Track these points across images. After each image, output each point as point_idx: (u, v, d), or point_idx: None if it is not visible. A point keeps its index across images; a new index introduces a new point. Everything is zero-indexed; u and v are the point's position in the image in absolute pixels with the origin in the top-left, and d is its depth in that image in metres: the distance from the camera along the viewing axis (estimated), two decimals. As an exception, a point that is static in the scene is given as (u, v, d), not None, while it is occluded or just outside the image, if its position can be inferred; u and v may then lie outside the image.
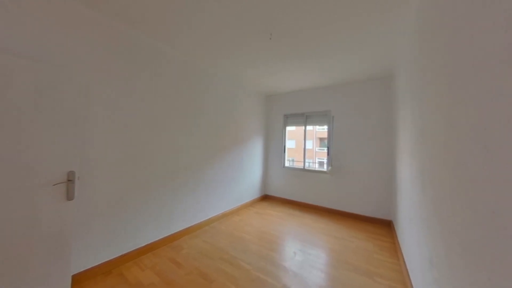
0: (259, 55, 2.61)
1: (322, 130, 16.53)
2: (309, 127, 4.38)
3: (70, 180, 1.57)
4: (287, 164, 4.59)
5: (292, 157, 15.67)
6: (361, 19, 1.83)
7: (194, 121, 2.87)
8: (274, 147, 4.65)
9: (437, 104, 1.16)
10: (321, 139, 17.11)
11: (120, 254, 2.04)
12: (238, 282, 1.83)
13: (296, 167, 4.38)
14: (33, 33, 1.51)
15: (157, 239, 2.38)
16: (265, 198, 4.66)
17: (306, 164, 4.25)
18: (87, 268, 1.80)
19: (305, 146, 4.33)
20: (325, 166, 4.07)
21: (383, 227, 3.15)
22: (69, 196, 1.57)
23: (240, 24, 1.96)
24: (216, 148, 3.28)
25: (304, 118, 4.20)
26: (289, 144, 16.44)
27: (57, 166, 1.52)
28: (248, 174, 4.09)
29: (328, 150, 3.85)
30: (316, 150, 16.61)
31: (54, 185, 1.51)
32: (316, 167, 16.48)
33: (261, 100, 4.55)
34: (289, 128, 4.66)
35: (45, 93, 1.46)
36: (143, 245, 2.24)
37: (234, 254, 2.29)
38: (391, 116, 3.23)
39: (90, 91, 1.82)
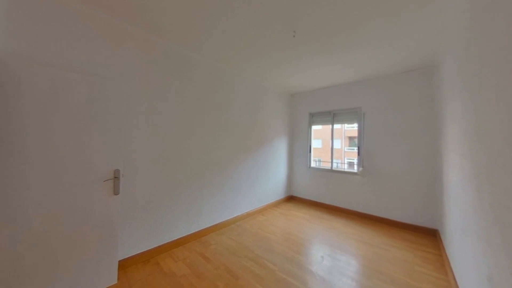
0: (283, 54, 2.58)
1: (351, 128, 15.49)
2: (336, 126, 4.15)
3: (116, 177, 1.79)
4: (313, 164, 4.42)
5: (318, 157, 15.06)
6: (398, 2, 1.65)
7: (220, 122, 2.99)
8: (299, 147, 4.53)
9: (497, 95, 0.98)
10: (350, 138, 16.03)
11: (156, 245, 2.24)
12: (264, 282, 1.83)
13: (323, 167, 4.19)
14: (86, 50, 1.78)
15: (187, 233, 2.54)
16: (290, 199, 4.57)
17: (334, 165, 4.03)
18: (129, 255, 2.03)
19: (333, 145, 4.11)
20: (355, 167, 3.81)
21: (427, 236, 2.79)
22: (115, 191, 1.79)
23: (263, 25, 1.96)
24: (241, 148, 3.35)
25: (331, 116, 3.99)
26: (315, 143, 15.87)
27: (106, 164, 1.76)
28: (272, 174, 4.07)
29: (358, 149, 3.59)
30: (345, 150, 15.63)
31: (104, 181, 1.74)
32: (345, 167, 15.52)
33: (285, 99, 4.49)
34: (314, 127, 4.49)
35: (96, 102, 1.70)
36: (176, 238, 2.42)
37: (259, 253, 2.30)
38: (434, 110, 2.84)
39: (131, 99, 2.05)
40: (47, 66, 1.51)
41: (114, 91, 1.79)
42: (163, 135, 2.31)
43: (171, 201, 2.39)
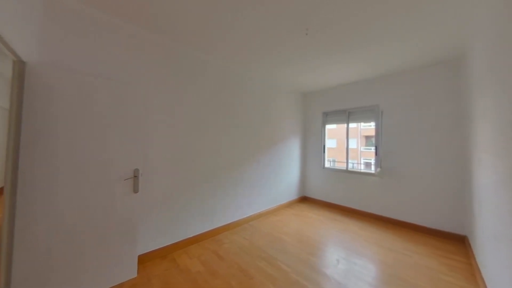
0: (295, 53, 2.54)
1: (368, 127, 14.85)
2: (352, 125, 4.00)
3: (135, 176, 1.89)
4: (327, 164, 4.31)
5: (333, 158, 14.63)
6: (417, -5, 1.55)
7: (232, 123, 3.02)
8: (312, 147, 4.44)
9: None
10: (367, 137, 15.38)
11: (172, 242, 2.32)
12: (277, 283, 1.82)
13: (338, 168, 4.06)
14: (108, 57, 1.89)
15: (202, 231, 2.61)
16: (304, 199, 4.49)
17: (350, 165, 3.89)
18: (148, 251, 2.13)
19: (348, 145, 3.97)
20: (372, 167, 3.64)
21: (454, 242, 2.58)
22: (135, 189, 1.89)
23: (274, 25, 1.95)
24: (253, 148, 3.36)
25: (346, 115, 3.86)
26: (329, 143, 15.46)
27: (127, 164, 1.86)
28: (285, 175, 4.03)
29: (376, 149, 3.42)
30: (361, 150, 15.02)
31: (125, 180, 1.84)
32: (362, 168, 14.92)
33: (297, 98, 4.43)
34: (329, 127, 4.38)
35: (117, 105, 1.80)
36: (191, 236, 2.49)
37: (273, 254, 2.29)
38: (461, 106, 2.62)
39: (148, 101, 2.14)
40: (75, 73, 1.64)
41: (133, 95, 1.89)
42: (178, 136, 2.39)
43: (186, 199, 2.46)
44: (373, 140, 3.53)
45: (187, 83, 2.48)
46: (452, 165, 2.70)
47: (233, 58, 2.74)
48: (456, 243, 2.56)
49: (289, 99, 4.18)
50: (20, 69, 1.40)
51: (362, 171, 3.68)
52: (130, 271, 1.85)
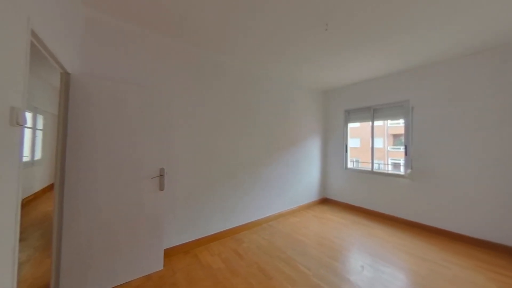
0: (314, 50, 2.47)
1: (396, 125, 13.73)
2: (378, 123, 3.75)
3: (161, 175, 2.02)
4: (350, 165, 4.09)
5: (356, 158, 13.87)
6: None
7: (251, 123, 3.05)
8: (334, 147, 4.26)
9: None
10: (394, 136, 14.23)
11: (194, 239, 2.43)
12: (297, 285, 1.78)
13: (362, 168, 3.84)
14: (136, 65, 2.05)
15: (222, 230, 2.68)
16: (324, 201, 4.33)
17: (375, 166, 3.65)
18: (172, 246, 2.25)
19: (373, 144, 3.72)
20: (401, 168, 3.37)
21: (504, 256, 2.25)
22: (161, 187, 2.02)
23: (292, 22, 1.92)
24: (272, 148, 3.35)
25: (371, 113, 3.62)
26: (353, 143, 14.67)
27: (153, 163, 1.99)
28: (304, 175, 3.94)
29: (406, 149, 3.15)
30: (389, 150, 13.95)
31: (152, 178, 1.98)
32: (389, 169, 13.88)
33: (317, 96, 4.29)
34: (351, 125, 4.15)
35: (145, 109, 1.95)
36: (212, 233, 2.58)
37: (292, 255, 2.26)
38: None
39: (171, 104, 2.27)
40: (110, 80, 1.81)
41: (159, 98, 2.02)
42: (199, 137, 2.49)
43: (207, 198, 2.55)
44: (402, 139, 3.25)
45: (207, 85, 2.57)
46: (500, 166, 2.36)
47: (252, 59, 2.76)
48: (507, 257, 2.23)
49: (308, 97, 4.07)
50: (66, 80, 1.60)
51: (389, 172, 3.42)
52: (157, 264, 1.99)
